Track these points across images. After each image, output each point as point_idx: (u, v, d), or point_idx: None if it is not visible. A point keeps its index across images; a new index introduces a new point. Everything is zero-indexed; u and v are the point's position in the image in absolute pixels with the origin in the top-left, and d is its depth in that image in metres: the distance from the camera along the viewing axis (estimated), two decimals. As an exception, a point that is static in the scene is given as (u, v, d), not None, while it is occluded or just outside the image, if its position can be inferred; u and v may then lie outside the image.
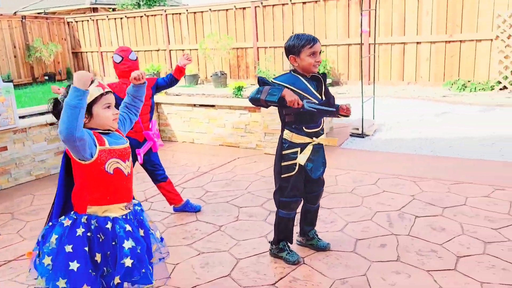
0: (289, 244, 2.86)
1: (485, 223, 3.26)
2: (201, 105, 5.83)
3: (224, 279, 2.69)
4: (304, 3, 10.51)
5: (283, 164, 2.67)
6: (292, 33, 10.43)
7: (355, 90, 9.10)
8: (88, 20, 14.46)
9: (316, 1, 10.32)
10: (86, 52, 14.82)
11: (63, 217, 1.96)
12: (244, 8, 11.36)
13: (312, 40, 2.53)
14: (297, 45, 2.53)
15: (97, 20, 14.19)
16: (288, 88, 2.50)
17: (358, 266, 2.75)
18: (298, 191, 2.72)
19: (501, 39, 8.27)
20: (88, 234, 1.89)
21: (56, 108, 1.97)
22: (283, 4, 10.80)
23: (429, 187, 3.99)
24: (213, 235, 3.28)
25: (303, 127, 2.63)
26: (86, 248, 1.87)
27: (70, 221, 1.91)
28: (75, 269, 1.83)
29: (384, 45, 9.67)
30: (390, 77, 9.78)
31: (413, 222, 3.33)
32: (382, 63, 9.78)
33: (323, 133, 2.74)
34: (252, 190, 4.17)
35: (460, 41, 8.85)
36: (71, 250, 1.85)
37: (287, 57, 2.61)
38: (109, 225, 1.91)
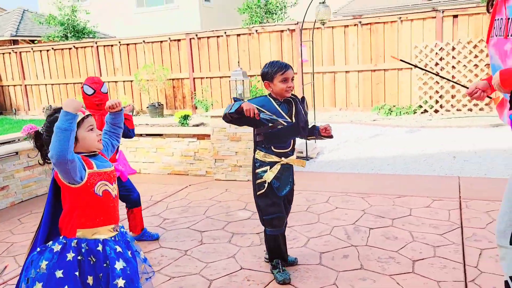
0: (282, 262, 2.90)
1: (431, 229, 3.58)
2: (147, 135, 5.80)
3: (200, 300, 2.70)
4: (238, 35, 10.89)
5: (256, 182, 2.80)
6: (228, 63, 10.82)
7: (291, 117, 9.49)
8: (10, 53, 13.77)
9: (249, 34, 10.74)
10: (8, 85, 14.03)
11: (51, 242, 1.94)
12: (179, 40, 11.51)
13: (284, 67, 2.70)
14: (270, 72, 2.70)
15: (20, 52, 13.56)
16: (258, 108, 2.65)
17: (327, 277, 2.89)
18: (276, 208, 2.79)
19: (419, 67, 9.14)
20: (79, 257, 1.90)
21: (39, 140, 2.00)
22: (217, 36, 11.10)
23: (376, 202, 4.29)
24: (180, 260, 3.27)
25: (272, 147, 2.77)
26: (77, 273, 1.87)
27: (60, 246, 1.90)
28: None
29: (316, 74, 10.25)
30: (323, 104, 10.34)
31: (368, 234, 3.56)
32: (315, 90, 10.32)
33: (292, 154, 2.88)
34: (210, 215, 4.20)
35: (384, 69, 9.65)
36: (62, 276, 1.84)
37: (263, 82, 2.77)
38: (100, 247, 1.93)
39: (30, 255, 1.96)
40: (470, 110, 8.94)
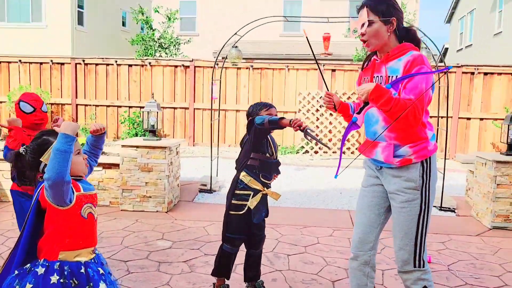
0: (225, 280, 3.06)
1: (339, 255, 4.05)
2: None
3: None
4: (130, 65, 10.75)
5: (233, 201, 2.92)
6: (117, 93, 10.55)
7: (186, 151, 9.61)
8: None
9: (142, 65, 10.70)
10: None
11: (29, 265, 1.88)
12: (62, 64, 10.87)
13: (269, 105, 2.99)
14: (256, 109, 2.95)
15: None
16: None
17: (264, 299, 3.09)
18: (243, 230, 2.95)
19: (302, 112, 10.14)
20: (61, 280, 1.85)
21: (20, 162, 1.97)
22: (107, 64, 10.81)
23: (286, 231, 4.66)
24: (112, 289, 3.15)
25: (261, 175, 2.93)
26: None
27: (43, 269, 1.86)
28: None
29: (207, 110, 10.59)
30: (213, 140, 10.65)
31: (287, 260, 3.87)
32: (206, 126, 10.63)
33: (270, 187, 3.08)
34: (129, 244, 4.10)
35: (271, 111, 10.42)
36: None
37: (250, 122, 2.95)
38: (82, 270, 1.91)
39: (6, 278, 1.85)
40: (344, 153, 10.13)
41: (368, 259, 2.50)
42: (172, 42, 11.55)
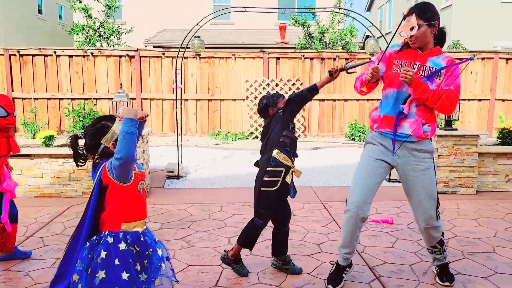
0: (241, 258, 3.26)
1: (315, 223, 4.52)
2: (11, 155, 5.25)
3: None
4: (71, 56, 10.42)
5: (265, 179, 3.03)
6: (58, 85, 10.22)
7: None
8: None
9: (84, 56, 10.42)
10: None
11: (94, 237, 2.09)
12: (-5, 55, 10.28)
13: (282, 95, 3.23)
14: (273, 100, 3.16)
15: None
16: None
17: (264, 263, 3.46)
18: (274, 206, 3.11)
19: (250, 99, 10.52)
20: (127, 248, 2.08)
21: (77, 142, 2.16)
22: (45, 55, 10.39)
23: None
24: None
25: (292, 153, 3.09)
26: (130, 260, 2.04)
27: (112, 238, 2.07)
28: (126, 278, 2.00)
29: (156, 100, 10.62)
30: (162, 129, 10.73)
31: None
32: (154, 116, 10.65)
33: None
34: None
35: (220, 99, 10.70)
36: (119, 263, 2.02)
37: (266, 110, 3.17)
38: (142, 238, 2.14)
39: (75, 250, 2.03)
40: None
41: (365, 216, 2.96)
42: (113, 31, 11.31)
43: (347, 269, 3.15)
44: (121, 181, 2.07)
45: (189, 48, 7.01)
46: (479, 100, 11.05)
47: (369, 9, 27.53)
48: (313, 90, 3.08)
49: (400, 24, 2.84)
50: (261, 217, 3.13)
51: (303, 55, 10.63)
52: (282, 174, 3.04)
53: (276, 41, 14.13)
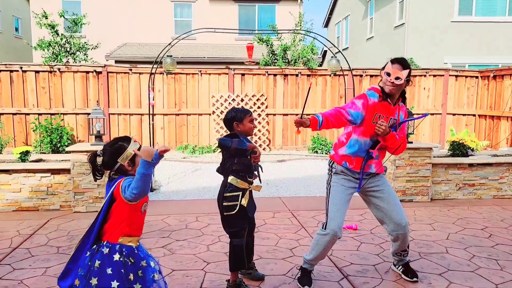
0: (242, 279, 3.37)
1: (286, 231, 4.87)
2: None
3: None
4: (37, 72, 10.39)
5: (225, 204, 3.19)
6: (24, 100, 10.16)
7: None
8: None
9: (51, 71, 10.42)
10: None
11: (95, 246, 2.35)
12: (-43, 70, 10.10)
13: (248, 112, 3.30)
14: (240, 115, 3.25)
15: None
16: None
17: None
18: (242, 221, 3.26)
19: (216, 114, 10.85)
20: (121, 259, 2.33)
21: (95, 160, 2.47)
22: (11, 71, 10.31)
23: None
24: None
25: (247, 176, 3.24)
26: (122, 270, 2.31)
27: (107, 249, 2.33)
28: (116, 287, 2.25)
29: (123, 115, 10.73)
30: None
31: (248, 238, 4.58)
32: (122, 130, 10.75)
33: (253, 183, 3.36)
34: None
35: (187, 114, 10.95)
36: (111, 272, 2.27)
37: (231, 124, 3.28)
38: (136, 251, 2.40)
39: (84, 252, 2.31)
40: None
41: (341, 237, 3.42)
42: (80, 47, 11.37)
43: (311, 272, 3.54)
44: (129, 201, 2.30)
45: (161, 64, 7.28)
46: (432, 114, 11.87)
47: (326, 25, 28.56)
48: (240, 151, 3.16)
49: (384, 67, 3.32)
50: (236, 235, 3.25)
51: (267, 71, 11.10)
52: (240, 198, 3.20)
53: (239, 57, 14.59)
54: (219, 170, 3.38)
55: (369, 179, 3.40)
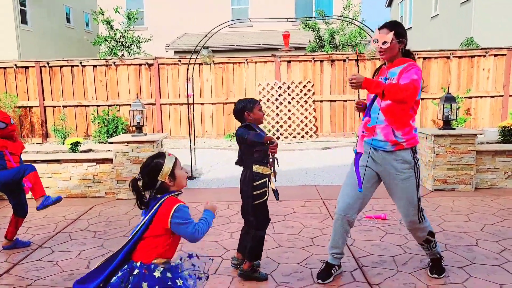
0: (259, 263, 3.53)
1: (313, 220, 4.93)
2: (42, 161, 5.88)
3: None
4: (95, 66, 11.11)
5: (255, 193, 3.32)
6: (84, 93, 10.90)
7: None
8: None
9: (107, 65, 11.09)
10: None
11: (125, 266, 2.30)
12: (27, 67, 11.06)
13: (256, 101, 3.42)
14: (250, 105, 3.37)
15: None
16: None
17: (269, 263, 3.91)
18: (267, 213, 3.44)
19: (263, 101, 10.96)
20: (161, 275, 2.27)
21: (137, 184, 2.37)
22: (72, 66, 11.10)
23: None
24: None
25: (266, 161, 3.35)
26: (170, 283, 2.27)
27: (146, 270, 2.26)
28: None
29: (173, 105, 11.19)
30: (181, 132, 11.29)
31: (272, 226, 4.69)
32: (173, 120, 11.22)
33: None
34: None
35: (233, 102, 11.14)
36: None
37: (242, 114, 3.39)
38: (169, 275, 2.32)
39: (109, 268, 2.28)
40: (303, 137, 11.08)
41: (352, 220, 3.38)
42: (134, 41, 11.95)
43: (336, 267, 3.49)
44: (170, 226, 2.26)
45: (192, 55, 7.50)
46: (492, 96, 11.16)
47: (389, 5, 27.50)
48: (256, 143, 3.21)
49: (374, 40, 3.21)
50: (263, 227, 3.42)
51: (314, 58, 11.00)
52: (267, 184, 3.36)
53: (293, 42, 14.51)
54: (238, 163, 3.51)
55: (387, 160, 3.19)
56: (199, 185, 6.70)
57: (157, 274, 2.25)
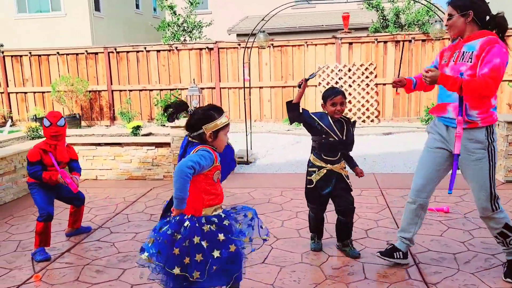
0: (317, 236, 3.73)
1: (368, 210, 4.75)
2: (106, 144, 6.17)
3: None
4: (158, 51, 11.41)
5: (307, 178, 3.51)
6: (148, 77, 11.27)
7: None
8: None
9: (170, 50, 11.34)
10: None
11: (177, 217, 2.36)
12: (96, 53, 11.60)
13: (333, 94, 3.31)
14: (324, 96, 3.38)
15: None
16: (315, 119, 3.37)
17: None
18: (312, 200, 3.57)
19: (323, 85, 10.71)
20: (212, 227, 2.36)
21: (178, 111, 2.46)
22: (137, 51, 11.49)
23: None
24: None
25: (322, 154, 3.40)
26: (217, 238, 2.35)
27: (196, 223, 2.35)
28: (219, 255, 2.33)
29: (233, 89, 11.26)
30: (239, 116, 11.35)
31: (326, 215, 4.58)
32: (232, 104, 11.31)
33: (339, 163, 3.46)
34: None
35: (293, 86, 11.02)
36: (208, 244, 2.32)
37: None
38: (226, 222, 2.42)
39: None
40: (364, 121, 10.72)
41: (424, 203, 3.23)
42: (195, 26, 12.12)
43: (400, 252, 3.34)
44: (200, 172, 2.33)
45: (249, 39, 7.43)
46: None
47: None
48: (290, 107, 3.28)
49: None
50: (309, 209, 3.68)
51: (376, 39, 10.52)
52: (314, 174, 3.44)
53: (359, 22, 13.99)
54: None
55: (451, 134, 2.98)
56: (254, 170, 6.70)
57: (206, 228, 2.32)
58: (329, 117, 3.37)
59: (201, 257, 2.29)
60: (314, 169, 3.44)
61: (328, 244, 3.85)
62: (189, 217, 2.36)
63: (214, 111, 2.41)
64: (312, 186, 3.47)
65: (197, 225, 2.33)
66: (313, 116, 3.39)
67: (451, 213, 4.61)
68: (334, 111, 3.32)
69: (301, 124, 3.47)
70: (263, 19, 6.69)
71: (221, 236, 2.36)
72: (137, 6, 21.92)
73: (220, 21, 18.20)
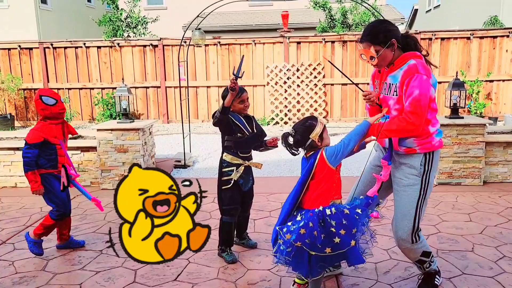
0: (229, 247, 3.58)
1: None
2: (18, 148, 5.71)
3: (132, 285, 3.17)
4: (99, 47, 10.89)
5: (222, 179, 3.44)
6: (88, 75, 10.74)
7: (160, 129, 9.96)
8: None
9: (111, 46, 10.85)
10: None
11: (303, 212, 2.66)
12: (31, 49, 10.94)
13: (240, 91, 3.35)
14: (225, 93, 3.33)
15: None
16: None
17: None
18: (235, 201, 3.48)
19: (271, 85, 10.56)
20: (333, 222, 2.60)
21: (288, 139, 2.75)
22: (76, 47, 10.92)
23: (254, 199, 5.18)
24: (99, 258, 3.63)
25: (239, 152, 3.41)
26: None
27: (329, 211, 2.61)
28: (338, 242, 2.58)
29: (178, 88, 10.90)
30: (188, 116, 11.03)
31: (254, 224, 4.40)
32: (178, 104, 10.97)
33: (252, 159, 3.56)
34: (111, 219, 4.56)
35: (241, 86, 10.78)
36: (335, 230, 2.57)
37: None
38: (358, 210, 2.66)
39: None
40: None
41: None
42: (139, 21, 11.67)
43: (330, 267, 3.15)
44: (332, 165, 2.63)
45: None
46: (513, 80, 10.44)
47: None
48: (224, 110, 3.22)
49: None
50: (227, 213, 3.50)
51: (324, 39, 10.48)
52: (234, 172, 3.42)
53: (314, 21, 13.95)
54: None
55: (396, 162, 2.84)
56: (191, 174, 6.43)
57: (346, 211, 2.60)
58: (237, 114, 3.42)
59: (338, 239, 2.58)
60: (231, 168, 3.43)
61: (246, 255, 3.66)
62: (320, 209, 2.61)
63: (311, 120, 2.72)
64: (230, 186, 3.43)
65: (334, 211, 2.60)
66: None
67: (380, 218, 4.54)
68: (243, 107, 3.44)
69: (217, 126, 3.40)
70: (198, 16, 6.43)
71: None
72: (89, 0, 21.04)
73: (176, 17, 17.75)
